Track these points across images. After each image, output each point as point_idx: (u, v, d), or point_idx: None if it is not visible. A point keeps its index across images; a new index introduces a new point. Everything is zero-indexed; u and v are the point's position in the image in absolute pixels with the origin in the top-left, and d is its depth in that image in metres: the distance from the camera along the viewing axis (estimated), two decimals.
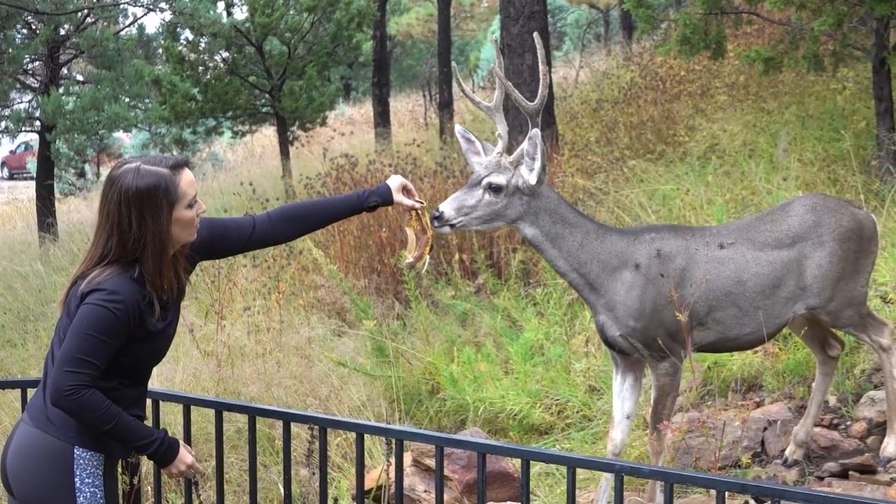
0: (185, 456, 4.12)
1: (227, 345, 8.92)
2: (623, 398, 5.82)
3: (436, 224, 5.29)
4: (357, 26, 19.71)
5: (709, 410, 6.85)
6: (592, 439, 7.14)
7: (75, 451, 3.95)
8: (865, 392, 6.60)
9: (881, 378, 6.76)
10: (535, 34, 5.69)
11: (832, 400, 6.70)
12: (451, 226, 5.37)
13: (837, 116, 11.88)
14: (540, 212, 5.47)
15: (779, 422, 6.46)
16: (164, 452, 4.04)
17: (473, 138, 5.63)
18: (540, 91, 5.47)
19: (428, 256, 5.03)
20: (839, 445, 6.21)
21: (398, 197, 4.65)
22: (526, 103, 5.46)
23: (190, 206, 4.01)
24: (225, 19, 19.05)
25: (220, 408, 4.92)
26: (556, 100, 14.56)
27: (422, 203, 4.72)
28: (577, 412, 7.49)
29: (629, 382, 5.82)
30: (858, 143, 10.79)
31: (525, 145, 5.37)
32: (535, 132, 5.34)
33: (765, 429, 6.53)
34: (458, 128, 5.74)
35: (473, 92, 26.65)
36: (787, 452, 6.24)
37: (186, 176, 4.00)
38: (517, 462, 5.82)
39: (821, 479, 5.94)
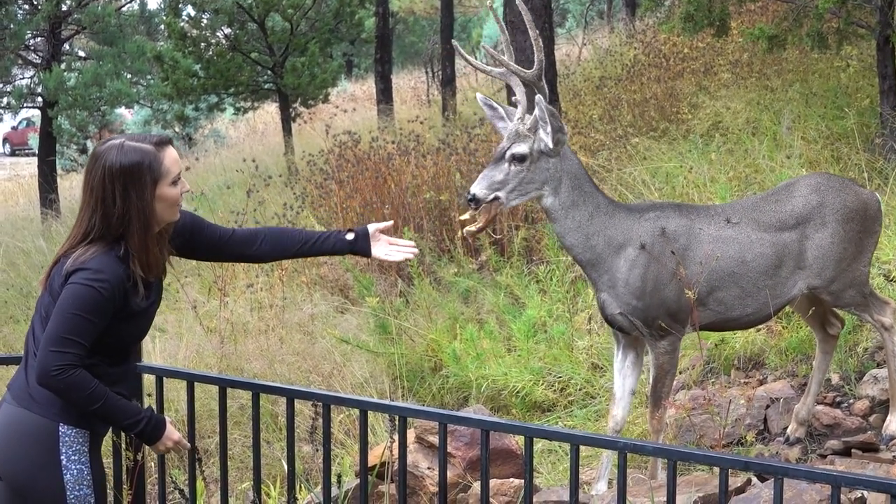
0: (172, 433, 4.11)
1: (230, 321, 8.93)
2: (624, 375, 5.84)
3: (473, 206, 5.40)
4: (359, 2, 19.70)
5: (713, 388, 6.87)
6: (595, 416, 7.15)
7: (60, 428, 3.94)
8: (868, 370, 6.60)
9: (884, 356, 6.77)
10: (520, 1, 5.67)
11: (835, 378, 6.70)
12: (489, 204, 5.43)
13: (841, 94, 11.85)
14: (563, 175, 5.51)
15: (781, 399, 6.46)
16: (152, 431, 4.03)
17: (496, 105, 5.68)
18: (536, 57, 5.49)
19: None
20: (842, 423, 6.21)
21: (378, 252, 4.58)
22: (524, 72, 5.50)
23: (174, 183, 4.01)
24: None
25: (223, 384, 4.91)
26: (558, 77, 14.52)
27: (415, 252, 4.70)
28: (580, 389, 7.51)
29: (630, 359, 5.84)
30: (862, 120, 10.77)
31: (535, 112, 5.41)
32: (539, 98, 5.39)
33: (767, 406, 6.53)
34: (479, 97, 5.82)
35: (475, 70, 26.59)
36: (788, 431, 6.26)
37: (170, 153, 4.00)
38: (520, 439, 5.83)
39: (823, 456, 5.95)
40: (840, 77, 12.48)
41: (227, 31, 19.42)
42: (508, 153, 5.45)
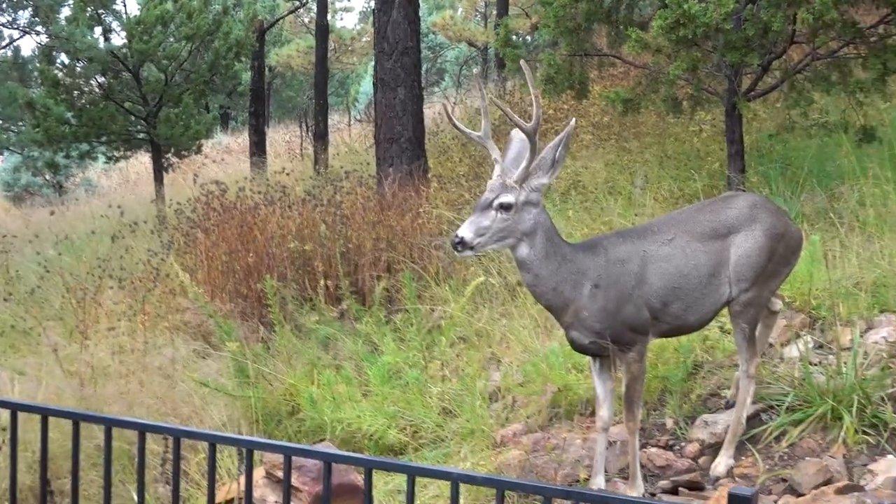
0: None
1: (90, 364, 8.94)
2: (603, 379, 6.33)
3: (459, 249, 5.87)
4: (235, 56, 19.87)
5: (555, 431, 7.15)
6: (444, 458, 7.36)
7: None
8: (700, 415, 6.97)
9: (715, 403, 7.16)
10: (522, 62, 6.42)
11: (668, 422, 7.06)
12: (472, 248, 5.88)
13: (693, 157, 12.38)
14: (539, 227, 5.98)
15: (618, 442, 6.77)
16: None
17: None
18: (535, 111, 5.91)
19: None
20: (673, 465, 6.55)
21: None
22: (524, 125, 5.93)
23: None
24: (101, 44, 19.05)
25: (76, 418, 4.96)
26: (427, 134, 14.89)
27: None
28: (431, 433, 7.72)
29: (605, 365, 6.29)
30: (711, 182, 11.27)
31: (529, 158, 5.92)
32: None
33: (606, 448, 6.82)
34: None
35: (349, 125, 26.77)
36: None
37: None
38: None
39: (654, 495, 6.26)
40: (693, 141, 13.03)
41: (101, 79, 19.44)
42: (496, 202, 5.91)
